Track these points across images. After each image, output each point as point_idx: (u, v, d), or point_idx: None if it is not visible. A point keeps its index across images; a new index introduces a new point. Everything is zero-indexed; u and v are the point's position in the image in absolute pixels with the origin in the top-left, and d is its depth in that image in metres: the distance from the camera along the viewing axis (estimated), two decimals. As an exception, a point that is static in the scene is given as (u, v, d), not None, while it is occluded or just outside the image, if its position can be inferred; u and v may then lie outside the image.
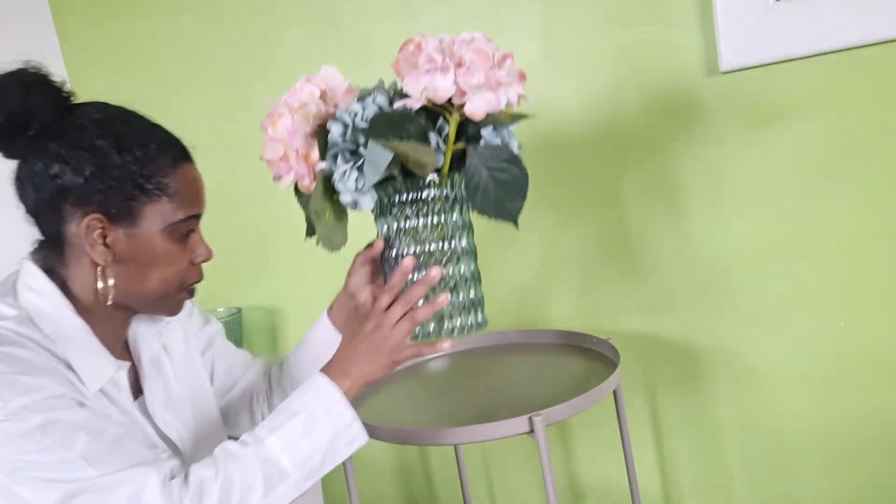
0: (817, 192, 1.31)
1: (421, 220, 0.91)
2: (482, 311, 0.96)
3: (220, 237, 1.61)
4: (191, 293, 0.95)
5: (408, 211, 0.92)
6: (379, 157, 0.85)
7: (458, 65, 0.83)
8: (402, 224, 0.92)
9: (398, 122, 0.85)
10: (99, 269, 0.86)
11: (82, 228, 0.84)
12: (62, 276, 0.88)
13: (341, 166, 0.88)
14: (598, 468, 1.53)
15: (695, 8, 1.30)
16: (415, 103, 0.85)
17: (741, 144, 1.33)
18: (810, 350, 1.37)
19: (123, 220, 0.85)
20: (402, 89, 0.88)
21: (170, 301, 0.92)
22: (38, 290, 0.86)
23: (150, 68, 1.57)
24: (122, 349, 0.96)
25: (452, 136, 0.88)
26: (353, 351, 0.89)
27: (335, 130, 0.88)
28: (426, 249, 0.92)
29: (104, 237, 0.85)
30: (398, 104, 0.86)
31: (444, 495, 1.64)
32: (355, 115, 0.88)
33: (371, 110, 0.88)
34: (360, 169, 0.87)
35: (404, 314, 0.88)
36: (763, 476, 1.45)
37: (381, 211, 0.94)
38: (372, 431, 1.06)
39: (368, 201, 0.90)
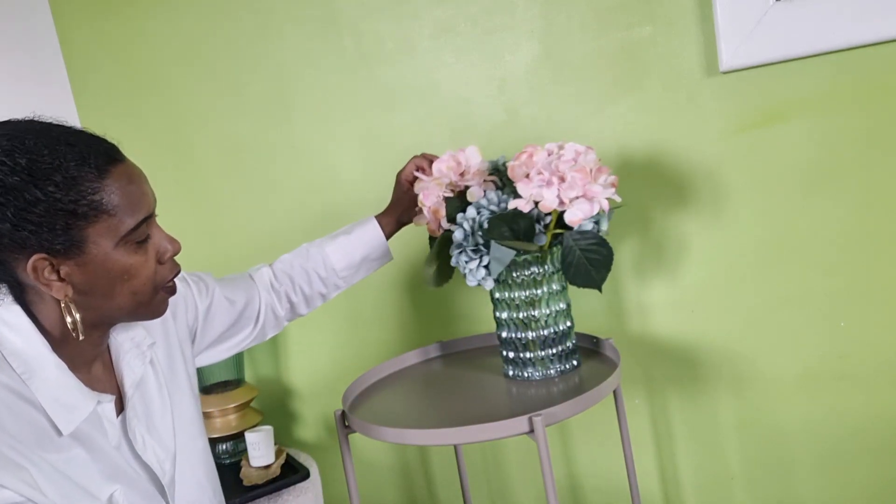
0: (817, 191, 1.31)
1: (527, 291, 1.13)
2: (576, 357, 1.19)
3: (219, 237, 1.61)
4: (170, 291, 0.90)
5: (516, 283, 1.13)
6: (503, 255, 1.06)
7: (562, 180, 1.03)
8: (512, 294, 1.14)
9: (511, 220, 1.06)
10: (62, 304, 0.81)
11: (30, 273, 0.78)
12: (33, 312, 0.84)
13: (469, 263, 1.09)
14: (598, 468, 1.53)
15: (695, 8, 1.30)
16: (525, 206, 1.05)
17: (741, 144, 1.33)
18: (810, 350, 1.37)
19: (69, 251, 0.79)
20: (507, 165, 1.15)
21: (149, 307, 0.88)
22: (14, 325, 0.82)
23: (150, 68, 1.57)
24: (103, 369, 0.92)
25: (552, 226, 1.09)
26: None
27: (458, 235, 1.10)
28: (531, 314, 1.14)
29: (56, 273, 0.79)
30: (511, 204, 1.06)
31: (444, 496, 1.63)
32: (473, 220, 1.10)
33: (486, 215, 1.09)
34: (486, 267, 1.09)
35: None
36: (763, 476, 1.45)
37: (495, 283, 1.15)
38: (372, 431, 1.06)
39: (490, 283, 1.12)
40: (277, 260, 1.23)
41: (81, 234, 0.79)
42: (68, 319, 0.81)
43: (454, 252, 1.12)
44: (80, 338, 0.83)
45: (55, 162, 0.78)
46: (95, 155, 0.80)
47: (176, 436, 0.97)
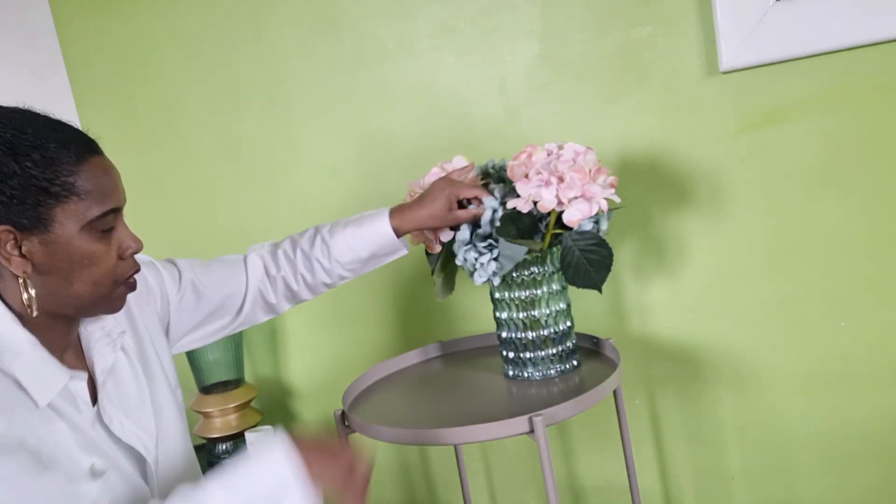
0: (817, 191, 1.31)
1: (527, 291, 1.14)
2: (576, 357, 1.19)
3: (216, 234, 1.61)
4: (130, 287, 0.91)
5: (516, 283, 1.14)
6: (515, 252, 1.07)
7: (560, 180, 1.04)
8: (513, 294, 1.15)
9: (517, 219, 1.08)
10: (20, 280, 0.83)
11: None
12: None
13: (481, 258, 1.10)
14: (598, 468, 1.53)
15: (695, 8, 1.30)
16: (524, 207, 1.05)
17: (741, 144, 1.33)
18: (810, 351, 1.37)
19: (35, 227, 0.81)
20: (503, 166, 1.18)
21: (107, 300, 0.89)
22: None
23: (150, 68, 1.57)
24: (75, 358, 0.93)
25: (552, 226, 1.09)
26: (316, 459, 0.84)
27: (464, 233, 1.11)
28: (531, 314, 1.14)
29: (18, 248, 0.81)
30: (510, 204, 1.06)
31: (444, 495, 1.63)
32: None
33: (488, 216, 1.10)
34: (496, 259, 1.09)
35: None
36: (763, 477, 1.45)
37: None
38: (372, 431, 1.06)
39: (498, 280, 1.11)
40: (284, 240, 1.19)
41: (49, 213, 0.81)
42: (24, 296, 0.83)
43: (460, 250, 1.11)
44: (34, 314, 0.84)
45: (37, 141, 0.81)
46: (76, 143, 0.84)
47: (159, 426, 0.97)
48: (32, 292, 0.83)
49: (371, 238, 1.14)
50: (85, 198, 0.83)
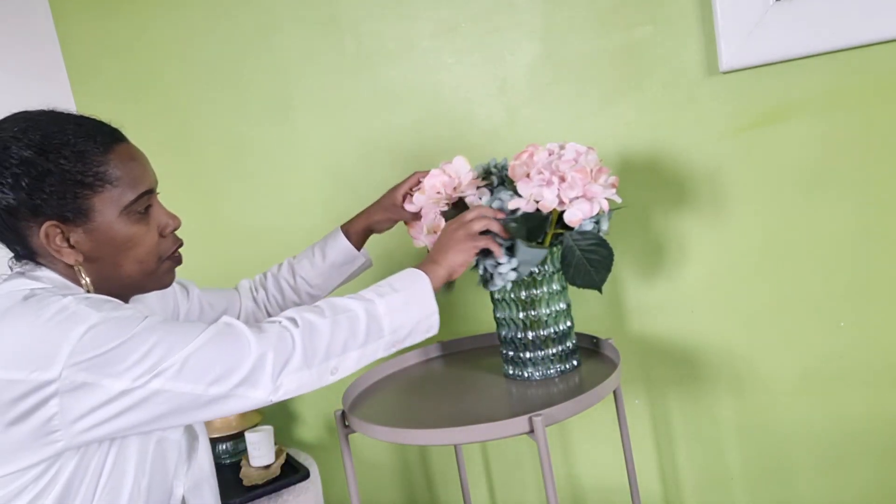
0: (817, 191, 1.31)
1: (527, 291, 1.14)
2: (576, 357, 1.19)
3: (219, 235, 1.61)
4: (176, 261, 0.98)
5: (516, 283, 1.13)
6: (534, 256, 1.08)
7: (562, 179, 1.04)
8: (512, 294, 1.14)
9: (526, 220, 1.07)
10: (75, 268, 0.90)
11: (42, 239, 0.87)
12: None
13: (499, 267, 1.08)
14: (598, 468, 1.53)
15: (695, 8, 1.30)
16: (526, 207, 1.05)
17: (741, 144, 1.33)
18: (810, 351, 1.37)
19: (78, 219, 0.87)
20: (504, 165, 1.18)
21: (155, 276, 0.95)
22: (54, 279, 0.89)
23: (151, 68, 1.57)
24: None
25: (553, 225, 1.09)
26: (439, 245, 1.04)
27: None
28: (531, 314, 1.14)
29: (67, 240, 0.88)
30: (511, 204, 1.06)
31: (444, 495, 1.63)
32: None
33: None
34: (515, 269, 1.08)
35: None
36: (762, 476, 1.45)
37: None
38: (372, 432, 1.06)
39: (510, 285, 1.12)
40: (265, 272, 1.28)
41: (88, 203, 0.87)
42: (83, 282, 0.89)
43: (477, 256, 1.10)
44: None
45: (64, 138, 0.87)
46: (101, 134, 0.90)
47: None
48: (87, 279, 0.90)
49: (327, 245, 1.22)
50: (118, 184, 0.89)
